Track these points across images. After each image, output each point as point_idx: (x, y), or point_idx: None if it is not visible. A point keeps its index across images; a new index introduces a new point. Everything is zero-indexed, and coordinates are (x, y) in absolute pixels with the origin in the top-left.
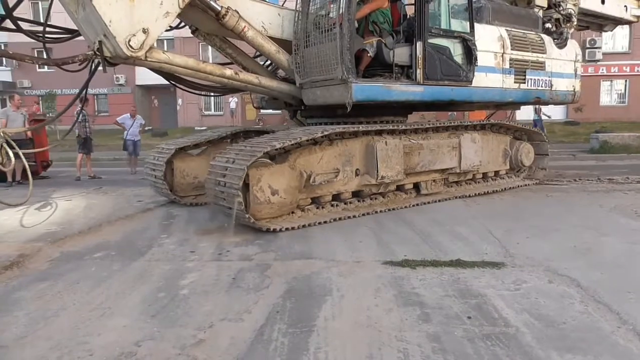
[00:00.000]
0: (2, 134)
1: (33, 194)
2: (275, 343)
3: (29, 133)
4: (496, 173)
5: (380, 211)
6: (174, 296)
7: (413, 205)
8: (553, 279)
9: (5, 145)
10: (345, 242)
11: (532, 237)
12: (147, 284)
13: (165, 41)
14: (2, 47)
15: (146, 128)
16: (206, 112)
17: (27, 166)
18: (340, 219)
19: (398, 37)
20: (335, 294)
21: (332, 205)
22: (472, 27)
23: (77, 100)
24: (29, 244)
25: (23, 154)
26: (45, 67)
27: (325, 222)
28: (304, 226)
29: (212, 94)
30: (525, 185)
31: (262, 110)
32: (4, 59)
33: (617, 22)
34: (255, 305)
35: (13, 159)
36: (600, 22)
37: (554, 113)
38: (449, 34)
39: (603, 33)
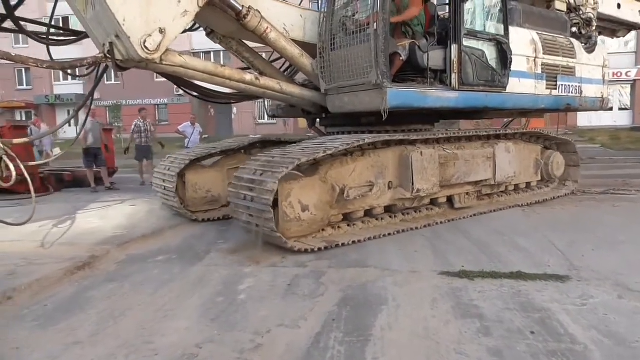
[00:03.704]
0: (1, 145)
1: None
2: (332, 351)
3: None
4: (527, 185)
5: (441, 222)
6: (232, 301)
7: (471, 216)
8: (623, 294)
9: (5, 157)
10: (400, 252)
11: (599, 249)
12: (207, 287)
13: (221, 53)
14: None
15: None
16: (260, 121)
17: (28, 179)
18: (399, 232)
19: (431, 39)
20: (391, 303)
21: (390, 217)
22: (506, 30)
23: (83, 107)
24: (98, 247)
25: (34, 166)
26: (112, 79)
27: (383, 235)
28: (361, 240)
29: (224, 101)
30: (561, 195)
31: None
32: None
33: (631, 27)
34: (311, 312)
35: (14, 172)
36: (614, 27)
37: (619, 119)
38: (484, 36)
39: None
